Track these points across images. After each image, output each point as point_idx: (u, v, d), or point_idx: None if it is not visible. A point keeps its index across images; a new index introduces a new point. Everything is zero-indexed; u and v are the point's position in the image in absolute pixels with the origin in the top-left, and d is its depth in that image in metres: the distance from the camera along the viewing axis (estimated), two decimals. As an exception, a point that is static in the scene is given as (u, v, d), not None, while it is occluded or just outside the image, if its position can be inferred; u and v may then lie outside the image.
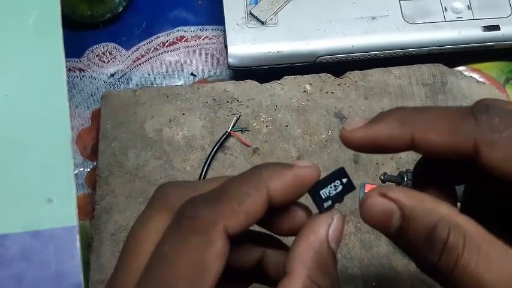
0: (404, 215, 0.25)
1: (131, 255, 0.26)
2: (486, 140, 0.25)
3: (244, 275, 0.29)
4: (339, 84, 0.54)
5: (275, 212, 0.27)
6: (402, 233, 0.25)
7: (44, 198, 0.36)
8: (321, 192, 0.27)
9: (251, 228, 0.30)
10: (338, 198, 0.27)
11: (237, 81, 0.55)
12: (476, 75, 0.57)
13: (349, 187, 0.28)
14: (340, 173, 0.28)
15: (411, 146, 0.27)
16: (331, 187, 0.27)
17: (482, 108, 0.25)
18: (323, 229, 0.26)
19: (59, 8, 0.40)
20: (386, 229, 0.26)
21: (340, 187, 0.28)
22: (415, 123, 0.26)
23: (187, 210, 0.25)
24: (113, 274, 0.26)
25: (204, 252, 0.24)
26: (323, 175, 0.28)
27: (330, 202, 0.27)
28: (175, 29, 0.60)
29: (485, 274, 0.23)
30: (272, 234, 0.29)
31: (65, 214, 0.36)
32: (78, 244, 0.35)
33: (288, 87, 0.54)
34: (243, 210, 0.25)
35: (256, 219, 0.26)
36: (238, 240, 0.29)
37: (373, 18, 0.55)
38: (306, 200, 0.27)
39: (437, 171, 0.30)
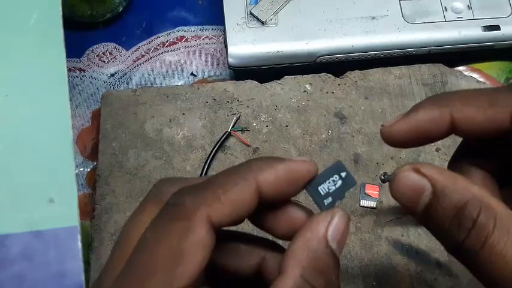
0: (436, 192, 0.25)
1: (120, 246, 0.26)
2: None
3: (243, 280, 0.29)
4: (339, 84, 0.54)
5: (273, 212, 0.27)
6: (431, 210, 0.25)
7: (45, 198, 0.36)
8: (319, 188, 0.26)
9: (252, 233, 0.29)
10: (339, 194, 0.27)
11: (237, 81, 0.55)
12: (476, 75, 0.57)
13: (349, 182, 0.27)
14: (338, 167, 0.27)
15: (451, 127, 0.27)
16: (329, 182, 0.27)
17: None
18: (321, 227, 0.25)
19: (60, 9, 0.40)
20: (415, 205, 0.26)
21: (340, 182, 0.27)
22: (452, 103, 0.27)
23: (172, 198, 0.25)
24: (103, 267, 0.26)
25: (183, 239, 0.23)
26: None
27: (330, 199, 0.26)
28: (176, 29, 0.60)
29: None
30: (274, 240, 0.29)
31: (66, 214, 0.36)
32: (79, 244, 0.35)
33: (288, 87, 0.54)
34: (228, 199, 0.24)
35: (244, 211, 0.25)
36: (236, 243, 0.29)
37: (373, 18, 0.55)
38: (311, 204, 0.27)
39: (476, 158, 0.30)
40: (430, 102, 0.28)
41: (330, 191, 0.27)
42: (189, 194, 0.25)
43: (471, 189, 0.25)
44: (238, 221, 0.25)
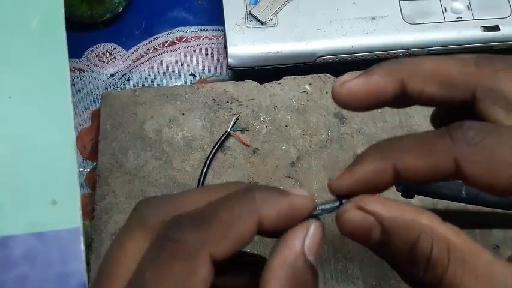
0: (384, 229, 0.24)
1: (107, 279, 0.25)
2: (465, 154, 0.24)
3: None
4: (338, 85, 0.54)
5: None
6: (383, 247, 0.24)
7: (48, 200, 0.36)
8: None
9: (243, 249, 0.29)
10: (330, 210, 0.26)
11: (237, 82, 0.55)
12: (475, 76, 0.57)
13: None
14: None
15: (396, 178, 0.26)
16: (329, 203, 0.26)
17: (456, 125, 0.25)
18: (298, 241, 0.24)
19: (62, 11, 0.40)
20: (367, 244, 0.25)
21: (337, 203, 0.26)
22: (394, 153, 0.25)
23: (172, 232, 0.24)
24: None
25: (188, 281, 0.23)
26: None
27: (320, 211, 0.26)
28: (175, 29, 0.60)
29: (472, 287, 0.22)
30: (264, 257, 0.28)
31: (69, 216, 0.36)
32: (82, 246, 0.35)
33: (288, 87, 0.54)
34: (232, 235, 0.23)
35: (244, 244, 0.24)
36: (228, 262, 0.28)
37: (373, 18, 0.55)
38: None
39: None
40: (373, 153, 0.26)
41: (324, 209, 0.26)
42: (191, 231, 0.23)
43: (420, 220, 0.23)
44: (237, 252, 0.25)
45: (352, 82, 0.28)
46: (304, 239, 0.24)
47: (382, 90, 0.28)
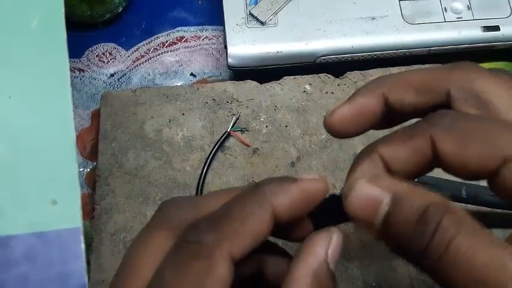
0: (396, 199, 0.24)
1: (129, 275, 0.25)
2: (439, 133, 0.25)
3: (242, 284, 0.28)
4: (338, 85, 0.54)
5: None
6: (390, 219, 0.24)
7: (48, 199, 0.36)
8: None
9: None
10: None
11: (237, 82, 0.55)
12: (475, 76, 0.57)
13: None
14: None
15: (387, 167, 0.27)
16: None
17: (432, 114, 0.26)
18: (322, 250, 0.25)
19: (63, 10, 0.40)
20: (373, 217, 0.25)
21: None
22: (377, 147, 0.27)
23: (190, 234, 0.24)
24: None
25: (206, 280, 0.23)
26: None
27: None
28: (175, 29, 0.60)
29: (478, 258, 0.22)
30: (271, 241, 0.28)
31: (69, 215, 0.36)
32: (82, 245, 0.35)
33: (288, 87, 0.54)
34: (247, 231, 0.24)
35: (262, 238, 0.25)
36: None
37: (373, 18, 0.55)
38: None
39: None
40: (361, 156, 0.28)
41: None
42: (208, 231, 0.24)
43: (431, 194, 0.24)
44: (256, 248, 0.25)
45: (339, 109, 0.30)
46: (328, 248, 0.25)
47: (368, 108, 0.29)
